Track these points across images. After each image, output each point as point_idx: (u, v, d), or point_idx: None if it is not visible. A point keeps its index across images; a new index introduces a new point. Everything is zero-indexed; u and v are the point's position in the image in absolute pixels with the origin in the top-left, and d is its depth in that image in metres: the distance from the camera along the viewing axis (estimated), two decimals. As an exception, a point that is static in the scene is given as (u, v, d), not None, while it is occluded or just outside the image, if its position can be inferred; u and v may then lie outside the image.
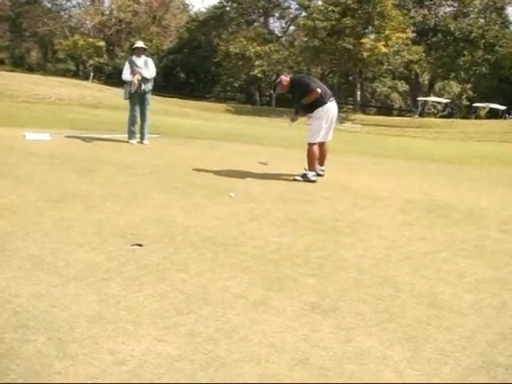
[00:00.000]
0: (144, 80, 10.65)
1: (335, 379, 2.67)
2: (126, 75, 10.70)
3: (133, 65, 10.73)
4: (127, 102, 11.02)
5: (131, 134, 10.98)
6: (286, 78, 8.08)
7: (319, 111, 8.06)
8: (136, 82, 10.49)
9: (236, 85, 60.38)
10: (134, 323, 3.07)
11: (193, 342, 2.92)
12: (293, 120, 8.51)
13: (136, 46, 11.17)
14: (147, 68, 10.78)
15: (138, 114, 10.86)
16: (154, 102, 12.31)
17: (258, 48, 48.33)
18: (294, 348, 2.94)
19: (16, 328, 2.91)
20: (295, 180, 8.03)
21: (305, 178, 8.06)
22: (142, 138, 10.98)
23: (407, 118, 41.25)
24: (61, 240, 4.41)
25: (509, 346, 3.11)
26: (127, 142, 10.90)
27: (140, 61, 10.82)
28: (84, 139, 10.84)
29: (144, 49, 11.11)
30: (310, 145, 8.15)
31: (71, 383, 2.48)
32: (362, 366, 2.81)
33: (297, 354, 2.88)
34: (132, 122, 10.94)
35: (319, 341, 3.04)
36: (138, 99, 10.82)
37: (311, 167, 8.15)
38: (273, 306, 3.45)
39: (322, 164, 8.51)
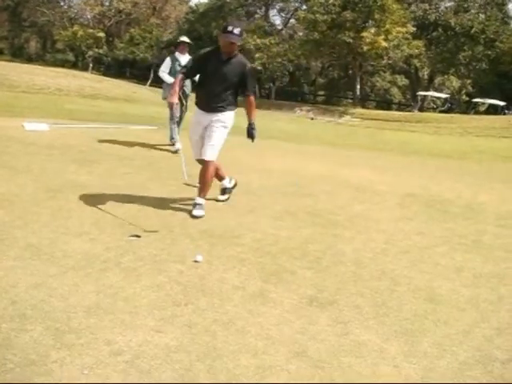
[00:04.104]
0: (186, 83, 8.94)
1: (332, 372, 2.67)
2: (165, 74, 9.29)
3: (176, 63, 9.30)
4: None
5: (175, 139, 9.31)
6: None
7: (232, 116, 5.53)
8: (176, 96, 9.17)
9: (235, 77, 60.19)
10: (131, 314, 3.07)
11: (190, 333, 2.92)
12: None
13: (181, 39, 9.70)
14: None
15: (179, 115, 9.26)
16: (153, 93, 12.14)
17: (258, 41, 48.18)
18: (291, 340, 2.94)
19: (13, 317, 2.91)
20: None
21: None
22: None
23: (407, 113, 41.15)
24: (59, 230, 4.40)
25: (506, 341, 3.12)
26: (174, 149, 9.11)
27: (185, 59, 9.16)
28: (83, 130, 10.81)
29: (189, 44, 9.68)
30: (212, 163, 5.57)
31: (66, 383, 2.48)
32: (358, 358, 2.82)
33: (294, 346, 2.89)
34: (173, 127, 9.38)
35: (316, 333, 3.04)
36: (179, 101, 9.14)
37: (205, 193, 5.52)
38: (270, 299, 3.45)
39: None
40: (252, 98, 5.44)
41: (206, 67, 5.27)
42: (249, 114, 5.46)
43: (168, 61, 9.46)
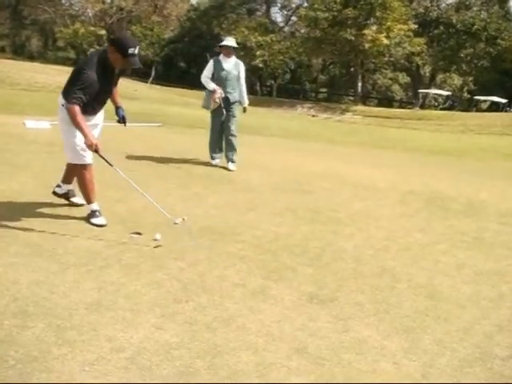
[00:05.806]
0: (230, 89, 8.15)
1: (332, 368, 2.68)
2: (208, 81, 8.07)
3: (219, 67, 8.13)
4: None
5: (213, 153, 8.41)
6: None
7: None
8: (217, 100, 7.96)
9: (237, 75, 60.16)
10: (132, 311, 3.08)
11: (190, 330, 2.93)
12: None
13: (225, 43, 8.21)
14: (237, 73, 8.21)
15: (220, 128, 8.29)
16: (155, 92, 12.08)
17: (259, 38, 48.16)
18: (291, 337, 2.95)
19: (15, 314, 2.92)
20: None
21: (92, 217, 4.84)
22: (227, 161, 8.23)
23: (408, 110, 41.16)
24: (60, 227, 4.41)
25: (506, 338, 3.12)
26: (209, 162, 8.31)
27: (229, 63, 8.16)
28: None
29: (235, 49, 8.32)
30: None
31: None
32: (358, 355, 2.82)
33: (294, 343, 2.89)
34: (214, 138, 8.35)
35: (317, 330, 3.04)
36: (221, 110, 8.10)
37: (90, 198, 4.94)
38: (271, 296, 3.45)
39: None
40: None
41: (96, 84, 4.61)
42: (118, 100, 5.44)
43: (211, 65, 8.23)
